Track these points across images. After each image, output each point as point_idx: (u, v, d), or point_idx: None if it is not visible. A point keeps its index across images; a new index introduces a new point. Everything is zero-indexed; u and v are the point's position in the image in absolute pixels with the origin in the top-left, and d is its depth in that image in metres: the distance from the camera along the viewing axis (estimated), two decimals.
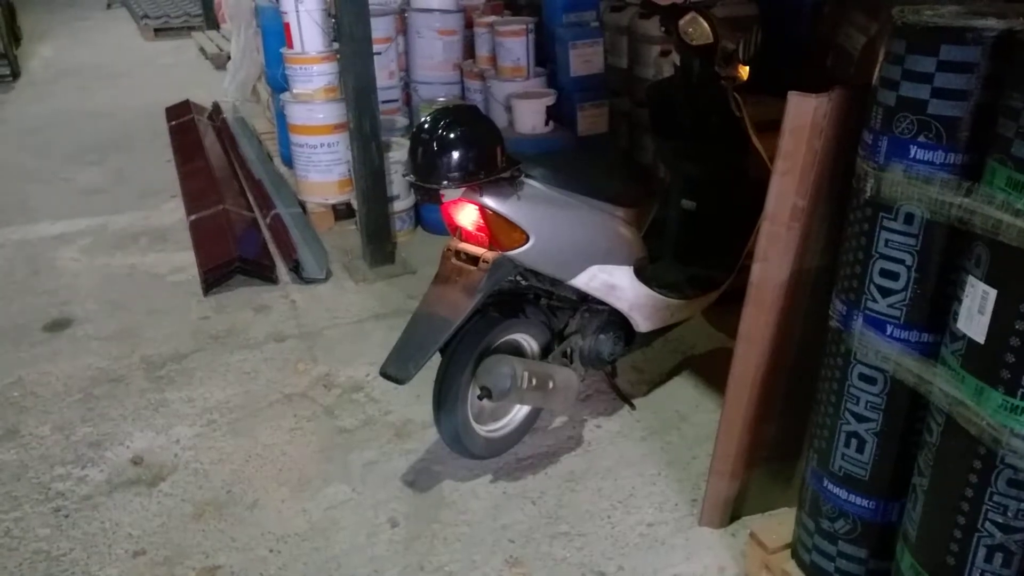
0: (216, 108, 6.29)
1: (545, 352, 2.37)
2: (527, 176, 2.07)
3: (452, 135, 1.90)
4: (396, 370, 2.03)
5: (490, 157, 1.95)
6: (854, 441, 1.56)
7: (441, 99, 4.49)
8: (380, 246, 3.73)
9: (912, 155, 1.33)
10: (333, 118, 4.01)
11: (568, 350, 2.39)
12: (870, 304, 1.46)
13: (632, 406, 2.62)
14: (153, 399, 2.80)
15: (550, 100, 4.06)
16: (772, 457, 2.04)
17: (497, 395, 2.07)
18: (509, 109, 4.21)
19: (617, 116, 4.46)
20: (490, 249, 2.08)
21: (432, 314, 2.07)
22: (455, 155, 1.89)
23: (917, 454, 1.43)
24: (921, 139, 1.32)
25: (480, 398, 2.10)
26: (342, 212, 4.25)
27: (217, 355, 3.06)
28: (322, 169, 4.07)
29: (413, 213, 4.09)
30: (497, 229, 2.03)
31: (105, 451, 2.54)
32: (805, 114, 1.53)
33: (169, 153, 5.43)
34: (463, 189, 1.94)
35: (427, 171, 1.92)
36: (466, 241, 2.13)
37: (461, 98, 4.69)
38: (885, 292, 1.43)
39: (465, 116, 1.98)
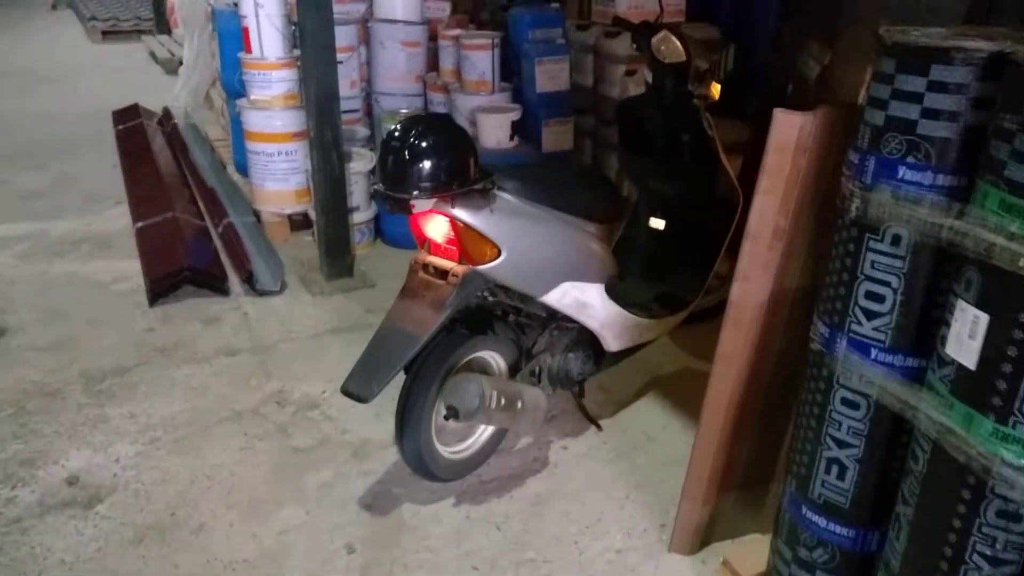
0: (167, 113, 6.10)
1: (513, 371, 2.30)
2: (499, 188, 2.01)
3: (424, 143, 1.82)
4: (358, 388, 1.93)
5: (463, 167, 1.88)
6: (835, 467, 1.52)
7: (404, 111, 4.41)
8: (338, 258, 3.62)
9: (900, 176, 1.31)
10: (292, 126, 3.90)
11: (536, 369, 2.32)
12: (854, 327, 1.42)
13: (599, 427, 2.56)
14: (92, 415, 2.63)
15: (515, 115, 4.02)
16: (744, 481, 2.00)
17: (464, 415, 1.99)
18: (473, 123, 4.15)
19: (581, 134, 4.45)
20: (460, 263, 2.01)
21: (398, 329, 1.99)
22: (427, 164, 1.82)
23: (900, 482, 1.40)
24: (910, 159, 1.29)
25: (446, 418, 2.01)
26: (299, 222, 4.13)
27: (162, 369, 2.91)
28: (279, 178, 3.95)
29: (373, 225, 3.99)
30: (468, 242, 1.96)
31: (37, 470, 2.37)
32: (791, 132, 1.50)
33: (115, 158, 5.22)
34: (434, 200, 1.87)
35: (397, 180, 1.84)
36: (435, 254, 2.05)
37: (424, 111, 4.62)
38: (870, 315, 1.40)
39: (438, 124, 1.91)
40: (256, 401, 2.72)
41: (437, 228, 1.98)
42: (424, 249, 2.08)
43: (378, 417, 2.54)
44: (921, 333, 1.36)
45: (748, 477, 1.99)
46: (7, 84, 7.52)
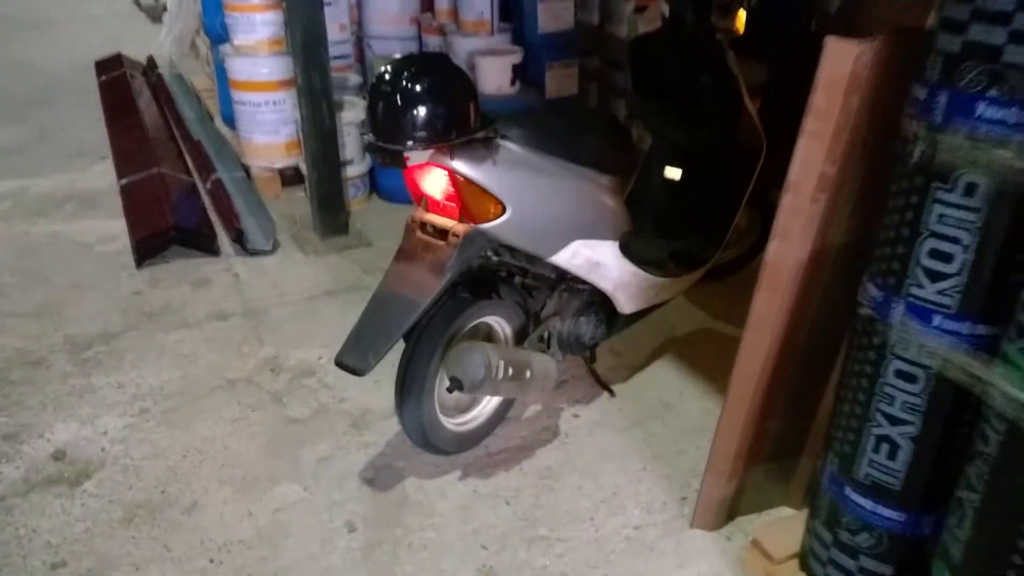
0: (151, 63, 5.83)
1: (519, 336, 2.14)
2: (503, 137, 1.81)
3: (419, 88, 1.62)
4: (354, 360, 1.77)
5: (463, 115, 1.68)
6: (885, 446, 1.37)
7: (397, 55, 4.16)
8: (332, 215, 3.43)
9: (979, 113, 1.12)
10: (279, 73, 3.66)
11: (545, 334, 2.15)
12: (914, 290, 1.25)
13: (612, 393, 2.41)
14: (78, 385, 2.48)
15: (516, 58, 3.78)
16: (773, 455, 1.85)
17: (469, 387, 1.83)
18: (472, 67, 3.91)
19: (586, 77, 4.21)
20: (461, 221, 1.82)
21: (395, 295, 1.81)
22: (422, 111, 1.62)
23: (965, 464, 1.24)
24: (992, 94, 1.10)
25: (450, 390, 1.85)
26: (290, 177, 3.93)
27: (151, 335, 2.75)
28: (268, 130, 3.73)
29: (368, 179, 3.78)
30: (470, 198, 1.77)
31: (22, 444, 2.23)
32: (843, 64, 1.30)
33: (99, 111, 4.98)
34: (431, 151, 1.67)
35: (389, 130, 1.64)
36: (433, 212, 1.87)
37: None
38: (934, 276, 1.22)
39: (434, 66, 1.70)
40: (249, 369, 2.57)
41: (435, 183, 1.79)
42: (421, 206, 1.89)
43: (378, 384, 2.39)
44: (995, 297, 1.18)
45: (777, 450, 1.84)
46: None
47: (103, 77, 5.46)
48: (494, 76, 3.76)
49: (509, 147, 1.82)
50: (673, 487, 2.07)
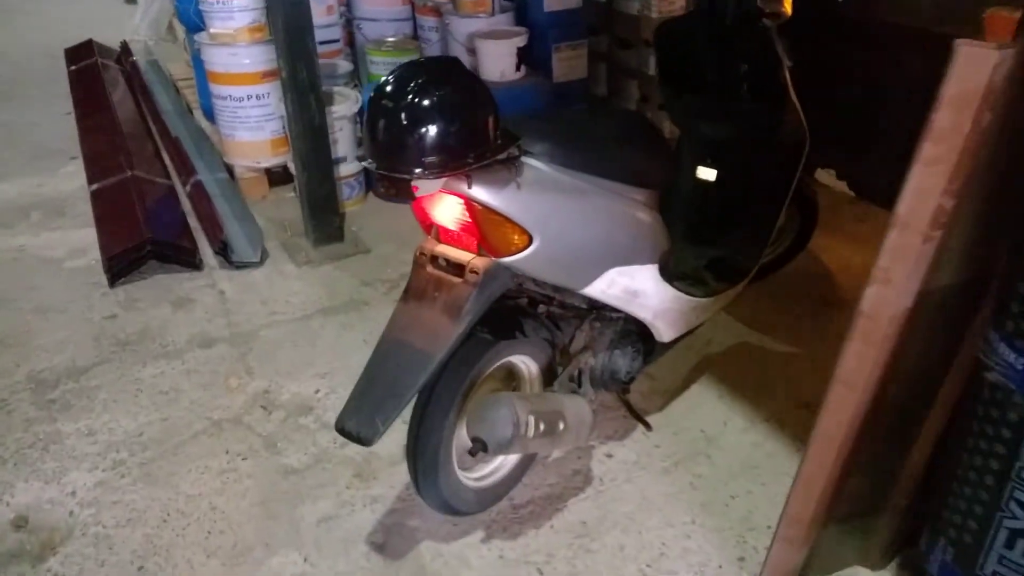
0: (125, 49, 5.46)
1: (547, 374, 1.86)
2: (526, 154, 1.51)
3: (428, 102, 1.32)
4: (358, 426, 1.49)
5: (481, 132, 1.38)
6: (1021, 542, 1.10)
7: (391, 38, 3.84)
8: (325, 220, 3.13)
9: None
10: (262, 63, 3.33)
11: (576, 372, 1.88)
12: None
13: (648, 427, 2.14)
14: (42, 433, 2.20)
15: (521, 40, 3.46)
16: (849, 515, 1.59)
17: (495, 448, 1.56)
18: (472, 52, 3.60)
19: (594, 58, 3.89)
20: (479, 255, 1.53)
21: (404, 345, 1.53)
22: (433, 131, 1.32)
23: None
24: None
25: (472, 453, 1.58)
26: (278, 176, 3.61)
27: (126, 368, 2.46)
28: (251, 126, 3.41)
29: (363, 178, 3.48)
30: (491, 229, 1.48)
31: None
32: (978, 74, 1.01)
33: (69, 104, 4.63)
34: (444, 179, 1.38)
35: (393, 154, 1.35)
36: (446, 242, 1.58)
37: (413, 37, 4.04)
38: None
39: (444, 74, 1.40)
40: (238, 407, 2.29)
41: (449, 211, 1.50)
42: (431, 236, 1.60)
43: None
44: None
45: (854, 510, 1.58)
46: None
47: (73, 67, 5.09)
48: (497, 61, 3.44)
49: (534, 165, 1.53)
50: (727, 544, 1.81)
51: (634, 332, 1.93)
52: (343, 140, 3.26)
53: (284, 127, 3.33)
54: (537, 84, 3.55)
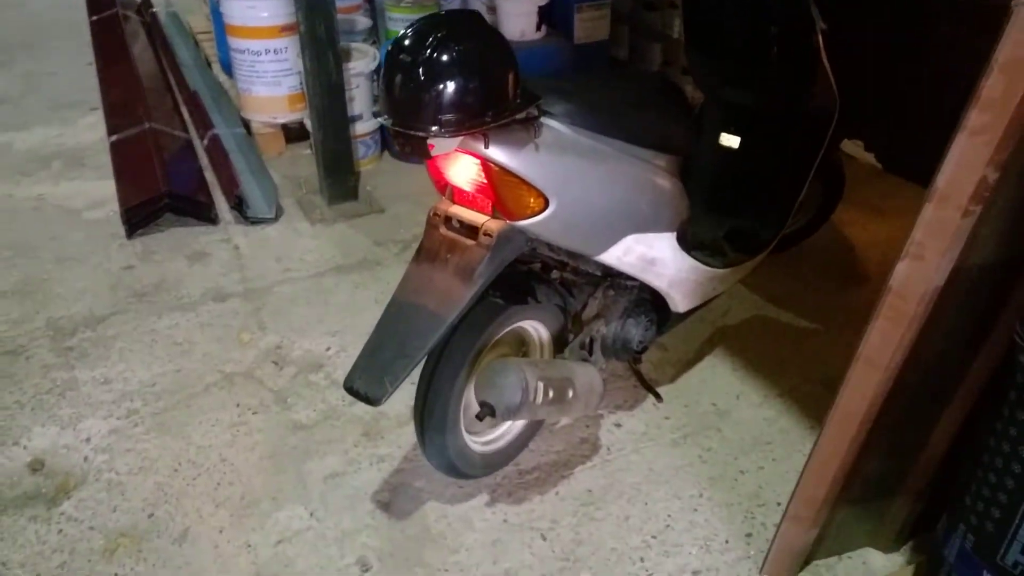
0: (145, 1, 5.40)
1: (558, 341, 1.84)
2: (546, 114, 1.47)
3: (445, 56, 1.28)
4: (366, 385, 1.48)
5: (501, 90, 1.34)
6: None
7: None
8: (340, 178, 3.10)
9: None
10: (281, 17, 3.28)
11: (587, 340, 1.86)
12: None
13: (659, 398, 2.12)
14: (59, 380, 2.22)
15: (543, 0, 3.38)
16: (863, 496, 1.56)
17: (503, 413, 1.55)
18: (493, 10, 3.52)
19: (616, 20, 3.79)
20: (494, 216, 1.51)
21: (415, 306, 1.51)
22: (451, 87, 1.28)
23: None
24: None
25: (480, 417, 1.57)
26: (295, 132, 3.58)
27: (142, 318, 2.47)
28: (268, 81, 3.37)
29: (379, 136, 3.44)
30: (506, 191, 1.45)
31: None
32: None
33: (90, 54, 4.60)
34: (460, 138, 1.35)
35: (409, 111, 1.31)
36: (460, 203, 1.55)
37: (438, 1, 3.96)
38: None
39: (464, 29, 1.36)
40: (250, 361, 2.30)
41: (464, 171, 1.47)
42: (446, 196, 1.57)
43: None
44: None
45: (868, 492, 1.56)
46: None
47: (94, 17, 5.05)
48: (518, 20, 3.37)
49: (553, 127, 1.49)
50: (735, 519, 1.79)
51: (648, 301, 1.90)
52: (360, 98, 3.22)
53: (301, 83, 3.29)
54: (558, 44, 3.47)
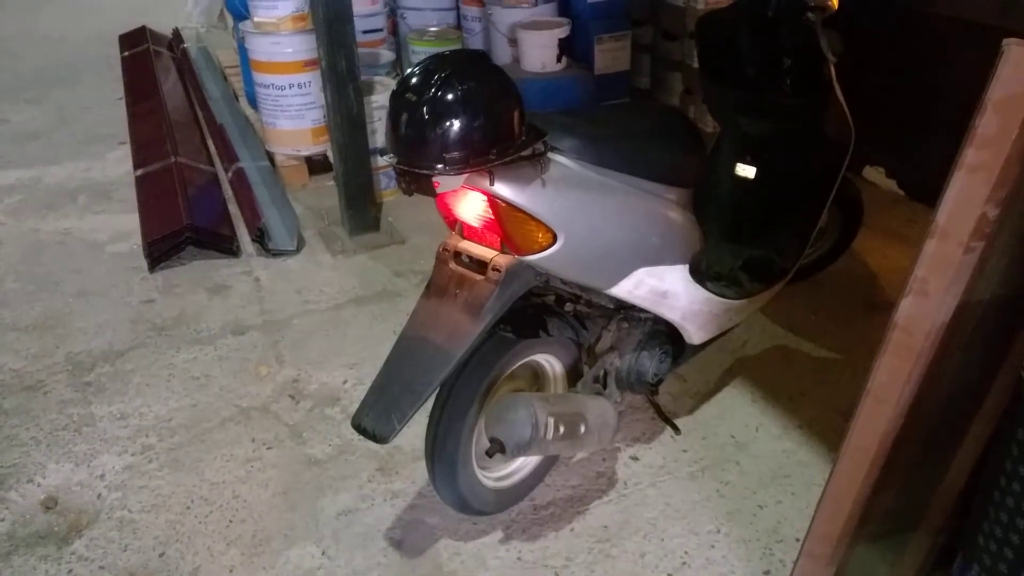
0: (177, 36, 5.56)
1: (572, 373, 1.83)
2: (553, 150, 1.47)
3: (451, 96, 1.29)
4: (374, 422, 1.48)
5: (505, 127, 1.35)
6: None
7: (433, 28, 3.83)
8: (361, 210, 3.13)
9: None
10: (304, 52, 3.34)
11: (601, 373, 1.83)
12: None
13: (677, 430, 2.09)
14: (76, 415, 2.25)
15: (564, 31, 3.41)
16: (880, 533, 1.52)
17: (513, 449, 1.53)
18: (514, 42, 3.56)
19: (637, 50, 3.81)
20: (502, 252, 1.50)
21: (424, 341, 1.51)
22: (456, 125, 1.29)
23: None
24: None
25: (490, 453, 1.55)
26: (318, 165, 3.63)
27: (160, 353, 2.50)
28: (292, 115, 3.43)
29: None
30: (514, 227, 1.45)
31: (9, 491, 2.00)
32: None
33: (121, 89, 4.74)
34: (466, 175, 1.35)
35: (414, 149, 1.32)
36: (470, 238, 1.55)
37: (457, 27, 4.02)
38: None
39: (468, 67, 1.36)
40: (266, 395, 2.30)
41: (471, 207, 1.47)
42: (455, 231, 1.58)
43: None
44: None
45: (886, 528, 1.51)
46: (11, 2, 7.00)
47: (126, 52, 5.21)
48: (539, 52, 3.40)
49: (560, 162, 1.48)
50: (753, 556, 1.75)
51: (663, 333, 1.88)
52: (382, 130, 3.24)
53: (325, 116, 3.34)
54: (579, 76, 3.49)
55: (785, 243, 2.17)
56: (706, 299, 1.83)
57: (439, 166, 1.30)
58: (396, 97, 1.34)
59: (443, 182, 1.34)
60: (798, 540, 1.77)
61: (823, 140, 2.16)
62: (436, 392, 1.54)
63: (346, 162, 3.03)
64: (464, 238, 1.55)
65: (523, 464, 1.85)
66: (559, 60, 3.43)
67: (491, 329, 1.57)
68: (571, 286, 1.68)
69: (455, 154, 1.30)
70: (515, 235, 1.46)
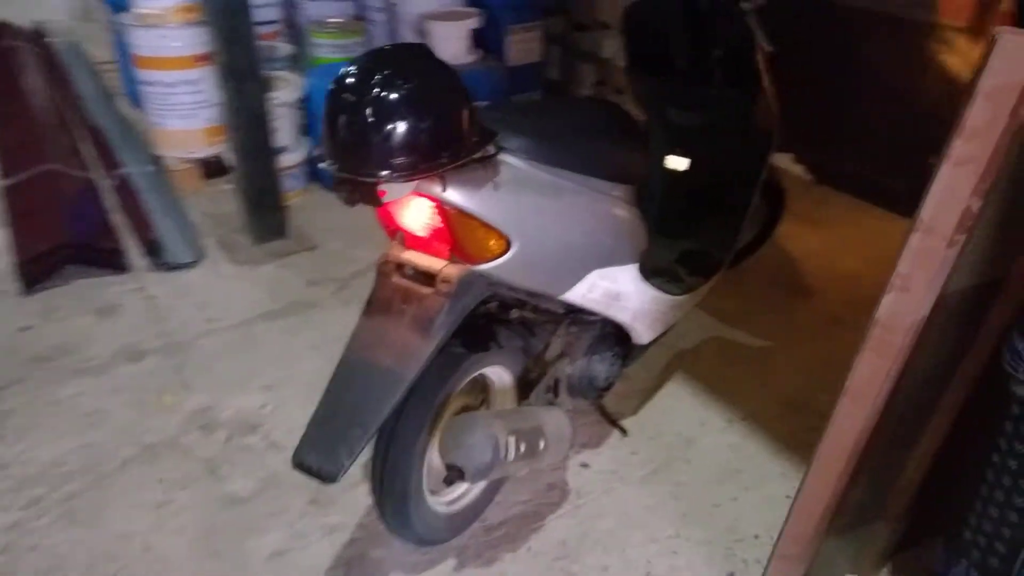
0: (39, 29, 5.04)
1: (521, 384, 1.72)
2: (502, 150, 1.36)
3: (396, 95, 1.15)
4: (320, 460, 1.32)
5: (456, 128, 1.22)
6: None
7: (333, 19, 3.61)
8: (267, 215, 2.90)
9: None
10: (194, 46, 3.06)
11: (553, 381, 1.74)
12: None
13: (624, 431, 2.02)
14: None
15: (475, 22, 3.29)
16: (849, 526, 1.50)
17: (473, 475, 1.41)
18: (422, 34, 3.40)
19: (548, 40, 3.73)
20: (451, 261, 1.38)
21: (369, 365, 1.36)
22: (404, 127, 1.15)
23: None
24: None
25: (448, 481, 1.42)
26: (214, 167, 3.35)
27: (43, 387, 2.21)
28: (183, 114, 3.14)
29: (306, 168, 3.25)
30: (465, 234, 1.32)
31: None
32: (1018, 67, 0.90)
33: None
34: (416, 181, 1.21)
35: (357, 155, 1.17)
36: (413, 247, 1.41)
37: (359, 18, 3.82)
38: None
39: (413, 63, 1.22)
40: (173, 428, 2.07)
41: (418, 215, 1.33)
42: (396, 241, 1.43)
43: None
44: None
45: (852, 521, 1.50)
46: None
47: None
48: (450, 44, 3.26)
49: (510, 163, 1.37)
50: (715, 558, 1.70)
51: (611, 335, 1.80)
52: (284, 128, 3.03)
53: (221, 115, 3.09)
54: (492, 68, 3.38)
55: (719, 234, 2.15)
56: (654, 297, 1.76)
57: (386, 172, 1.16)
58: (333, 97, 1.18)
59: (390, 190, 1.19)
60: (757, 537, 1.75)
61: (752, 129, 2.14)
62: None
63: (248, 163, 2.80)
64: (407, 248, 1.41)
65: (473, 484, 1.73)
66: (471, 52, 3.30)
67: (441, 348, 1.44)
68: (517, 292, 1.58)
69: (403, 159, 1.16)
70: (467, 243, 1.33)
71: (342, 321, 2.46)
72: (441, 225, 1.32)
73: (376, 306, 1.40)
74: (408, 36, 3.45)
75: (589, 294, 1.57)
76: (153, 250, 2.74)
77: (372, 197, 1.19)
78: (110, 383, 2.22)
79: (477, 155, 1.24)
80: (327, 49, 3.50)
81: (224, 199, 3.23)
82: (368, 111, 1.14)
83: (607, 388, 1.84)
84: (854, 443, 1.28)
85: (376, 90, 1.14)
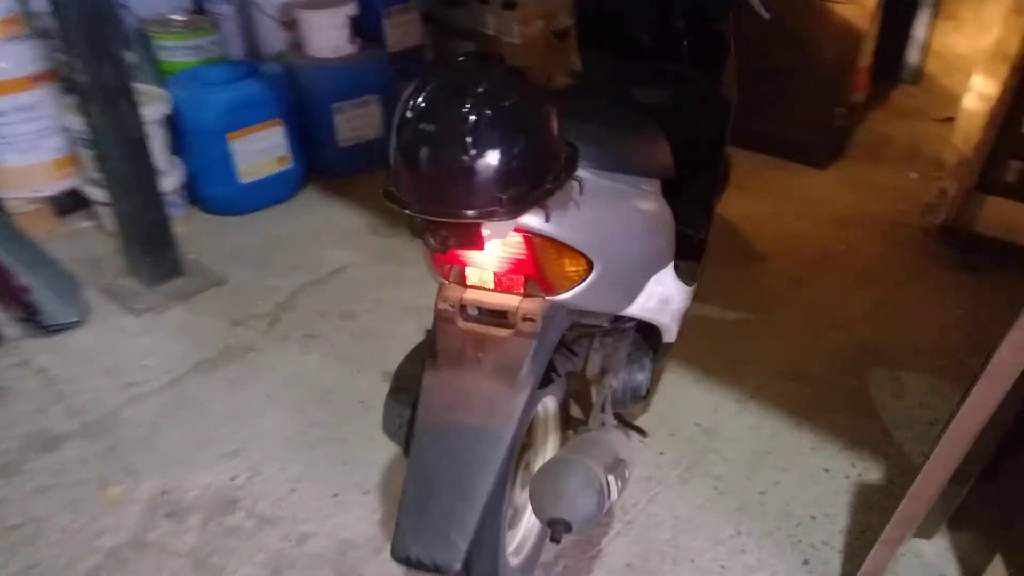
0: None
1: (563, 411, 1.58)
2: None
3: (494, 117, 0.94)
4: (430, 550, 1.11)
5: (553, 146, 1.04)
6: None
7: (173, 16, 3.15)
8: (158, 252, 2.50)
9: None
10: (27, 65, 2.54)
11: (603, 400, 1.61)
12: None
13: (644, 433, 1.93)
14: None
15: (351, 8, 2.99)
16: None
17: (581, 525, 1.26)
18: (289, 26, 3.06)
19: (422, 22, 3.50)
20: (526, 294, 1.20)
21: (457, 428, 1.16)
22: (508, 155, 0.95)
23: None
24: None
25: (555, 539, 1.25)
26: (66, 204, 2.84)
27: None
28: (23, 147, 2.61)
29: (186, 191, 2.84)
30: (549, 263, 1.15)
31: None
32: None
33: None
34: (520, 216, 1.02)
35: (453, 193, 0.96)
36: (478, 285, 1.21)
37: (198, 12, 3.35)
38: None
39: (498, 77, 1.01)
40: (133, 523, 1.73)
41: (495, 250, 1.14)
42: (452, 279, 1.23)
43: (339, 498, 1.72)
44: None
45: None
46: None
47: None
48: (328, 34, 2.95)
49: (580, 175, 1.20)
50: (784, 548, 1.67)
51: (641, 340, 1.70)
52: (155, 149, 2.60)
53: (70, 143, 2.61)
54: (374, 57, 3.10)
55: (698, 213, 2.09)
56: (686, 292, 1.68)
57: (495, 209, 0.96)
58: (409, 127, 0.96)
59: (494, 229, 1.00)
60: (813, 518, 1.73)
61: (719, 101, 2.09)
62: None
63: (129, 196, 2.38)
64: (466, 287, 1.21)
65: (527, 528, 1.57)
66: (353, 41, 3.01)
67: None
68: (600, 318, 1.43)
69: (512, 191, 0.96)
70: (550, 272, 1.16)
71: (288, 361, 2.20)
72: (523, 256, 1.14)
73: (446, 358, 1.20)
74: (267, 29, 3.08)
75: (647, 303, 1.45)
76: (28, 313, 2.27)
77: (473, 240, 0.99)
78: (31, 483, 1.82)
79: (576, 173, 1.07)
80: (178, 52, 3.04)
81: (89, 239, 2.76)
82: (466, 140, 0.94)
83: (646, 396, 1.73)
84: (980, 423, 1.26)
85: (468, 114, 0.93)
